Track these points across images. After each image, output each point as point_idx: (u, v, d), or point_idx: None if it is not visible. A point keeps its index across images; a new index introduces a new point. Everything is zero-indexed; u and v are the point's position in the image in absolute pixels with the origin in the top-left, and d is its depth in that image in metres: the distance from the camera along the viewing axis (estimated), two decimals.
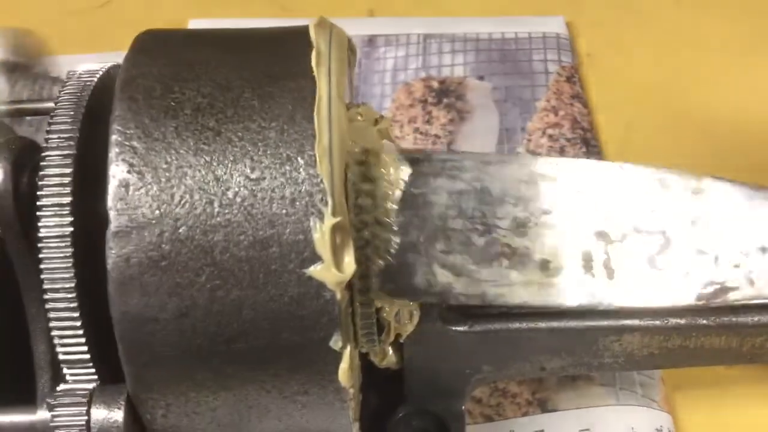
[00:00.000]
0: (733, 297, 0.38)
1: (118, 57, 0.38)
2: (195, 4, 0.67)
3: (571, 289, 0.37)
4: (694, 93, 0.61)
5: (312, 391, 0.34)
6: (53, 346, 0.33)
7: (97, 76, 0.36)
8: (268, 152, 0.33)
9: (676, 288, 0.38)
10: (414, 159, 0.37)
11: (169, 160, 0.32)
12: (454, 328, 0.39)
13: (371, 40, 0.65)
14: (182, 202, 0.32)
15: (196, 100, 0.33)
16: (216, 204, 0.32)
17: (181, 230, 0.32)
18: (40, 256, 0.32)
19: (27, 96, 0.51)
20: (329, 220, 0.32)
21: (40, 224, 0.32)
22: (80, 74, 0.36)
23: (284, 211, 0.32)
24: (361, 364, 0.37)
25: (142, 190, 0.32)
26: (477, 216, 0.37)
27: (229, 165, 0.32)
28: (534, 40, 0.64)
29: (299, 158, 0.32)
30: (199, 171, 0.32)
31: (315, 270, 0.32)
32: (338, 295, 0.32)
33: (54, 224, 0.32)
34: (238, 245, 0.32)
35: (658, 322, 0.39)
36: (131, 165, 0.32)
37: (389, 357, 0.39)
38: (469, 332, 0.39)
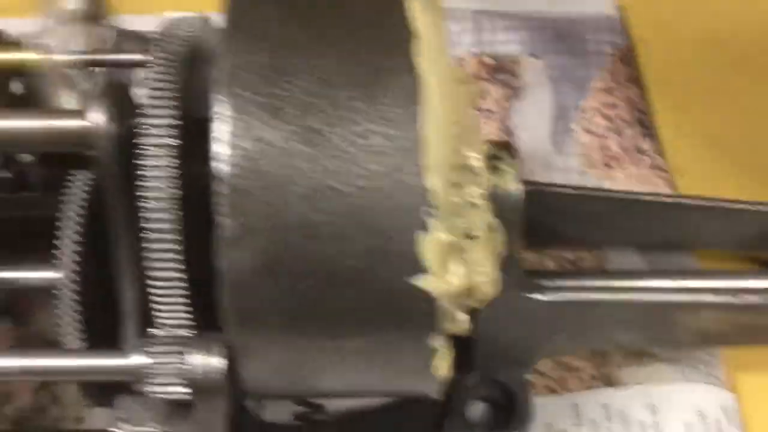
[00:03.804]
0: None
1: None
2: None
3: None
4: (751, 75, 0.61)
5: (406, 376, 0.36)
6: (143, 291, 0.33)
7: (191, 28, 0.36)
8: (375, 159, 0.32)
9: None
10: None
11: (277, 166, 0.32)
12: (531, 297, 0.39)
13: None
14: (292, 210, 0.32)
15: (300, 98, 0.32)
16: (325, 213, 0.32)
17: (290, 238, 0.32)
18: (142, 203, 0.32)
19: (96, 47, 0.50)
20: (436, 233, 0.32)
21: (143, 169, 0.32)
22: (172, 26, 0.36)
23: (392, 222, 0.32)
24: None
25: (253, 198, 0.32)
26: None
27: (338, 172, 0.32)
28: (587, 21, 0.64)
29: (406, 167, 0.32)
30: (309, 178, 0.32)
31: (422, 280, 0.32)
32: (445, 304, 0.33)
33: (156, 174, 0.32)
34: (347, 253, 0.32)
35: (733, 299, 0.40)
36: (242, 168, 0.32)
37: (462, 323, 0.39)
38: (546, 302, 0.39)
